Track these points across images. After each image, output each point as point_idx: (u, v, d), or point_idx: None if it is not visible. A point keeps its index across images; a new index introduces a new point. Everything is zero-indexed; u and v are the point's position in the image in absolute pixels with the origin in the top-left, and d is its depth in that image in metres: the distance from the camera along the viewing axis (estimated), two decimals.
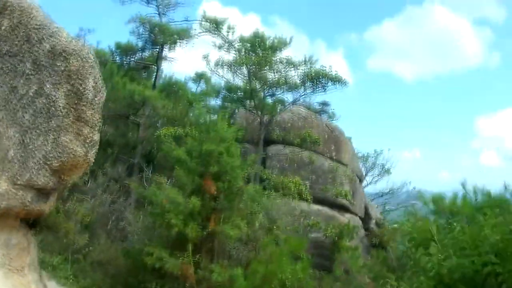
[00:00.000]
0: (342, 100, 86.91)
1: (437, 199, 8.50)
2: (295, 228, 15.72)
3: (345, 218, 20.27)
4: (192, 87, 23.59)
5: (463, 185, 8.65)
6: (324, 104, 25.30)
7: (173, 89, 20.59)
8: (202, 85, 23.94)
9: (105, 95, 6.48)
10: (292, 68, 19.42)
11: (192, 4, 22.91)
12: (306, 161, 19.73)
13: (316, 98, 22.98)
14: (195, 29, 21.40)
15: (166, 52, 21.37)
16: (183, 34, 21.02)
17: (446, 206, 8.22)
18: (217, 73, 21.03)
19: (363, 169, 27.90)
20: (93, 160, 6.48)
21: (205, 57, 20.77)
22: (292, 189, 16.62)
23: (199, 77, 23.86)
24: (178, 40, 20.97)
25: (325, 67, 19.40)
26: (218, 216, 11.95)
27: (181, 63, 64.68)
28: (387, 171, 29.06)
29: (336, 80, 19.08)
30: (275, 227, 14.09)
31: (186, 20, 21.43)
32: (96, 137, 6.37)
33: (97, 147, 6.45)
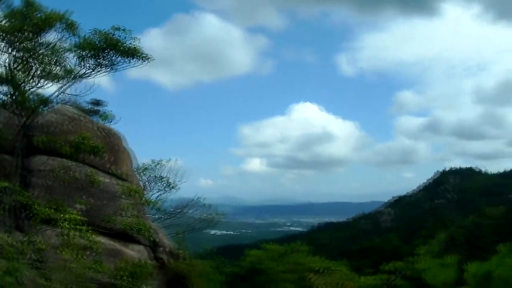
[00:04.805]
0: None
1: None
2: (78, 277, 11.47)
3: (133, 252, 16.78)
4: None
5: None
6: (96, 103, 21.54)
7: None
8: None
9: None
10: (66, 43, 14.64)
11: None
12: (82, 178, 15.57)
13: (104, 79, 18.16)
14: None
15: None
16: None
17: None
18: None
19: (142, 184, 24.74)
20: None
21: None
22: (67, 227, 11.99)
23: None
24: None
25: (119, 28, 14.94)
26: None
27: None
28: (173, 186, 26.22)
29: (133, 53, 14.84)
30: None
31: None
32: None
33: None
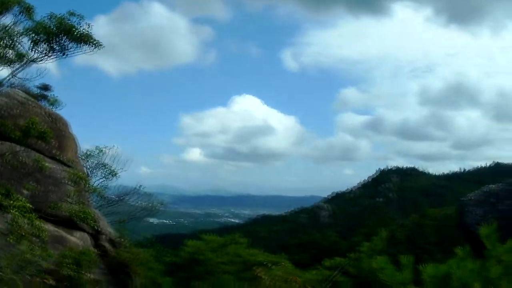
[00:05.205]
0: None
1: None
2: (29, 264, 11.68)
3: (76, 239, 16.98)
4: None
5: None
6: (45, 88, 21.50)
7: None
8: None
9: None
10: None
11: None
12: (30, 164, 15.61)
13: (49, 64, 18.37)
14: None
15: None
16: None
17: None
18: None
19: (85, 170, 24.72)
20: None
21: None
22: (17, 214, 12.09)
23: None
24: None
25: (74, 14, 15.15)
26: None
27: None
28: (114, 174, 26.30)
29: (86, 39, 15.02)
30: None
31: None
32: None
33: None
